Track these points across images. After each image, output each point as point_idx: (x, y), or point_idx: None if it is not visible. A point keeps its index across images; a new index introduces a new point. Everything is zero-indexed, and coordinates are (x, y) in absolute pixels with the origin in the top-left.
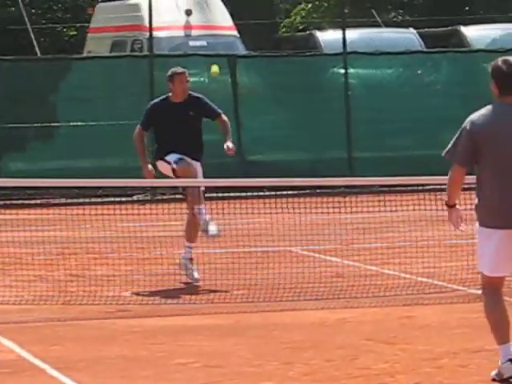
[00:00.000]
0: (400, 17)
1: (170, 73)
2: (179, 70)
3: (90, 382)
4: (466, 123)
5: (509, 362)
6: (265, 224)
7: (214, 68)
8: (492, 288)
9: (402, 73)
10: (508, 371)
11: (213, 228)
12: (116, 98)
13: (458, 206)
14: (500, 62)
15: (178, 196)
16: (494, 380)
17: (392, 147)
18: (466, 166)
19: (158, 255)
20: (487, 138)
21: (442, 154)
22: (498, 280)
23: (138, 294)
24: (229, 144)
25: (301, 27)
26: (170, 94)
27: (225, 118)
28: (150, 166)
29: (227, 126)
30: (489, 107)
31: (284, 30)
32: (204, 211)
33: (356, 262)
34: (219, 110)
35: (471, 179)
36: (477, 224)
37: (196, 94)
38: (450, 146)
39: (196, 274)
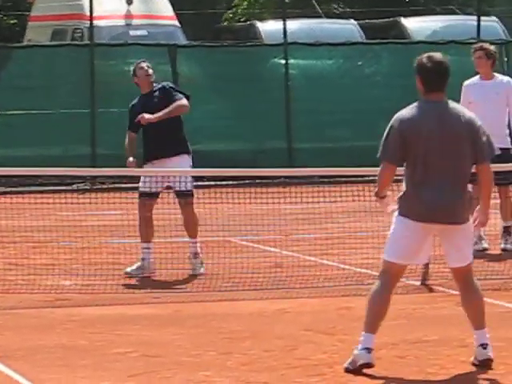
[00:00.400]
0: (341, 8)
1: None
2: (140, 63)
3: (28, 371)
4: (394, 121)
5: (365, 351)
6: (204, 214)
7: None
8: (388, 276)
9: (342, 64)
10: (362, 358)
11: (197, 267)
12: (56, 87)
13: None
14: (424, 59)
15: (117, 185)
16: (346, 369)
17: (332, 138)
18: (396, 163)
19: (97, 244)
20: (413, 136)
21: (377, 156)
22: (397, 269)
23: (76, 283)
24: (145, 115)
25: (242, 19)
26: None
27: (182, 102)
28: (131, 158)
29: (175, 105)
30: (415, 104)
31: (226, 20)
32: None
33: (295, 252)
34: (179, 95)
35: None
36: (396, 212)
37: (161, 84)
38: (381, 146)
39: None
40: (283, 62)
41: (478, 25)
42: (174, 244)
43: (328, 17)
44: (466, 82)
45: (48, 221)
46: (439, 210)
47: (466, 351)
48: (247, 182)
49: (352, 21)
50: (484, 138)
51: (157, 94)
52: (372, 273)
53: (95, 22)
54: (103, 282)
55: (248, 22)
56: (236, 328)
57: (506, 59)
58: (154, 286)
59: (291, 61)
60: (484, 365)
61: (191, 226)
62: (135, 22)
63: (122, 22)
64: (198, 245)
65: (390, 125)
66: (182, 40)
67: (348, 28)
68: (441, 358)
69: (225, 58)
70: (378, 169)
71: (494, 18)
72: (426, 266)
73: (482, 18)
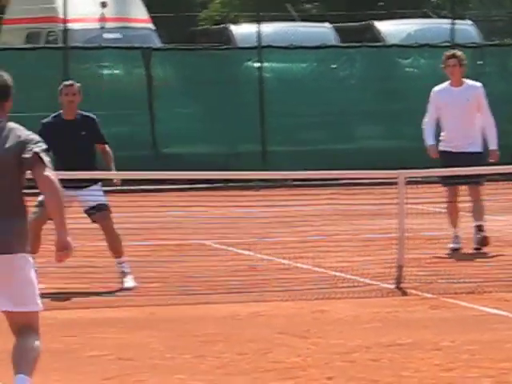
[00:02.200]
0: (315, 10)
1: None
2: (68, 82)
3: (1, 375)
4: None
5: None
6: (178, 217)
7: None
8: None
9: (316, 67)
10: None
11: (128, 281)
12: (30, 90)
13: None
14: None
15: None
16: None
17: (306, 141)
18: None
19: (75, 248)
20: None
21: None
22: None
23: (51, 286)
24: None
25: (217, 19)
26: (62, 111)
27: (108, 149)
28: None
29: (111, 158)
30: None
31: (202, 23)
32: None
33: (269, 255)
34: (106, 140)
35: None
36: None
37: (89, 114)
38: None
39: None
40: (257, 65)
41: (453, 28)
42: (148, 247)
43: (303, 20)
44: (436, 88)
45: None
46: None
47: (440, 354)
48: (221, 185)
49: (327, 24)
50: (39, 150)
51: (84, 123)
52: (346, 276)
53: (69, 25)
54: (78, 286)
55: (222, 25)
56: (210, 331)
57: (480, 62)
58: (129, 290)
59: (265, 64)
60: None
61: (115, 243)
62: (109, 25)
63: (96, 25)
64: (125, 264)
65: None
66: (156, 43)
67: (322, 31)
68: (415, 361)
69: (199, 61)
70: (352, 172)
71: (468, 21)
72: (400, 268)
73: (457, 21)
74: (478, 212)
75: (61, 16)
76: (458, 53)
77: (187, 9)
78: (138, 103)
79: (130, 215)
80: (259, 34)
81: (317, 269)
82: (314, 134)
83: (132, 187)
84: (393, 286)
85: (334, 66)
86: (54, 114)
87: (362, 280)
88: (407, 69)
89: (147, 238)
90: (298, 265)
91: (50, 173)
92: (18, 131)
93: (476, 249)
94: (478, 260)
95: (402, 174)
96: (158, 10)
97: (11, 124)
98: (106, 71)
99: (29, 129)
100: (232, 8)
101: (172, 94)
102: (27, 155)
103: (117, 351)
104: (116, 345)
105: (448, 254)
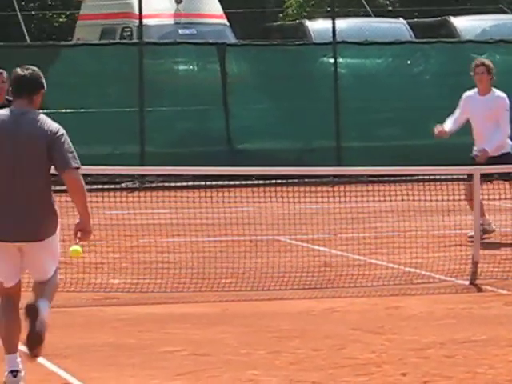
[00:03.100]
0: (389, 7)
1: None
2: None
3: (76, 369)
4: None
5: (10, 374)
6: (253, 213)
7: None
8: (5, 295)
9: (391, 63)
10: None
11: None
12: (105, 86)
13: None
14: (18, 67)
15: (166, 184)
16: None
17: (380, 137)
18: None
19: (145, 243)
20: None
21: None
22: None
23: (125, 281)
24: None
25: (292, 19)
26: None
27: None
28: None
29: None
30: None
31: (277, 19)
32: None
33: (344, 251)
34: None
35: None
36: None
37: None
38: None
39: None
40: (332, 61)
41: None
42: (223, 243)
43: (377, 15)
44: (466, 94)
45: (97, 219)
46: (15, 228)
47: None
48: (296, 180)
49: (401, 19)
50: (66, 146)
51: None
52: (421, 272)
53: (144, 21)
54: (152, 281)
55: (297, 21)
56: (284, 327)
57: None
58: (203, 285)
59: (340, 60)
60: None
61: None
62: (184, 20)
63: (170, 21)
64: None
65: None
66: (230, 39)
67: (397, 27)
68: (489, 357)
69: (274, 57)
70: (427, 168)
71: None
72: (476, 265)
73: None
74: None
75: (136, 12)
76: (487, 61)
77: (261, 4)
78: (213, 99)
79: (205, 211)
80: (334, 30)
81: (391, 265)
82: (389, 129)
83: (207, 182)
84: (467, 283)
85: (409, 62)
86: None
87: (436, 276)
88: None
89: (221, 234)
90: (373, 261)
91: (73, 173)
92: (47, 122)
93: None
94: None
95: (478, 170)
96: (233, 5)
97: (42, 115)
98: (180, 67)
99: (103, 124)
100: (309, 5)
101: (246, 89)
102: (55, 154)
103: (191, 347)
104: (190, 340)
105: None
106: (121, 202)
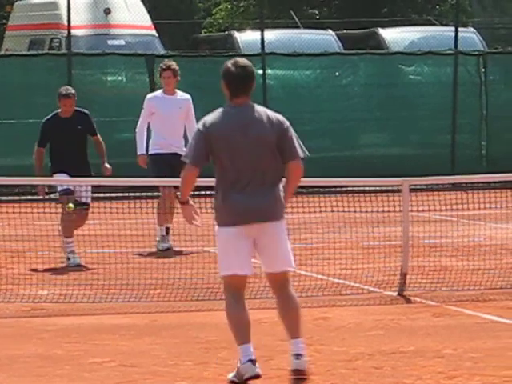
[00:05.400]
0: (317, 16)
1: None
2: (64, 91)
3: (5, 380)
4: (199, 125)
5: (249, 363)
6: (182, 224)
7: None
8: (231, 288)
9: (319, 74)
10: (248, 371)
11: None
12: (34, 97)
13: (191, 202)
14: (229, 64)
15: (95, 195)
16: (232, 382)
17: (309, 148)
18: (197, 165)
19: None
20: (219, 140)
21: (181, 158)
22: (235, 280)
23: (54, 292)
24: (106, 165)
25: (221, 28)
26: (60, 110)
27: (100, 139)
28: (43, 186)
29: (103, 148)
30: (220, 109)
31: (205, 30)
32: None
33: None
34: (96, 130)
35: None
36: (216, 227)
37: (83, 110)
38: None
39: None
40: (261, 72)
41: (456, 36)
42: (152, 254)
43: (306, 27)
44: (149, 96)
45: (26, 230)
46: (253, 209)
47: (443, 362)
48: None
49: (330, 31)
50: (293, 137)
51: (80, 119)
52: (349, 283)
53: (73, 32)
54: (80, 292)
55: (226, 32)
56: (212, 338)
57: (483, 70)
58: (131, 296)
59: (269, 71)
60: (295, 374)
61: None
62: (113, 31)
63: (99, 32)
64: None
65: (196, 129)
66: (159, 50)
67: (326, 38)
68: (417, 368)
69: (202, 68)
70: (357, 179)
71: (471, 28)
72: (404, 276)
73: (460, 28)
74: None
75: (64, 22)
76: (174, 65)
77: (190, 16)
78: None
79: (134, 222)
80: (262, 41)
81: (320, 276)
82: (318, 141)
83: (136, 193)
84: (396, 294)
85: (338, 74)
86: (52, 113)
87: (365, 287)
88: (410, 76)
89: (151, 245)
90: (302, 272)
91: (298, 162)
92: (270, 113)
93: None
94: (481, 268)
95: (407, 182)
96: (161, 16)
97: (258, 106)
98: (109, 78)
99: (32, 135)
100: (237, 15)
101: None
102: (285, 146)
103: (119, 358)
104: (118, 351)
105: None
106: (50, 212)
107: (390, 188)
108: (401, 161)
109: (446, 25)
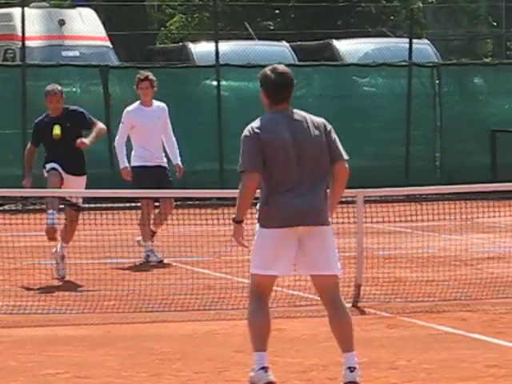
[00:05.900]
0: (272, 27)
1: (45, 91)
2: (49, 88)
3: None
4: (247, 132)
5: (262, 370)
6: (137, 235)
7: (56, 130)
8: (259, 290)
9: None
10: (261, 379)
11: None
12: None
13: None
14: (268, 71)
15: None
16: None
17: None
18: (258, 171)
19: (29, 265)
20: (271, 143)
21: (238, 170)
22: (266, 281)
23: (8, 303)
24: (83, 140)
25: (176, 39)
26: (50, 111)
27: (100, 125)
28: (30, 179)
29: (100, 131)
30: (263, 116)
31: (160, 41)
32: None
33: (227, 274)
34: (93, 120)
35: None
36: (257, 226)
37: (73, 107)
38: (240, 160)
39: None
40: (215, 83)
41: (410, 47)
42: (106, 265)
43: (260, 38)
44: (128, 108)
45: None
46: (301, 212)
47: (397, 373)
48: (179, 203)
49: (284, 42)
50: (336, 139)
51: (69, 116)
52: (304, 295)
53: (27, 43)
54: (35, 303)
55: (180, 44)
56: (167, 349)
57: (437, 81)
58: (85, 307)
59: (223, 82)
60: None
61: (70, 235)
62: (67, 42)
63: (54, 43)
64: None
65: (243, 136)
66: (114, 61)
67: (280, 50)
68: (371, 379)
69: (157, 80)
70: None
71: (425, 40)
72: (358, 287)
73: (414, 40)
74: None
75: (19, 34)
76: (151, 76)
77: (144, 27)
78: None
79: (89, 233)
80: (217, 52)
81: (274, 287)
82: None
83: (91, 205)
84: (350, 305)
85: None
86: (44, 114)
87: (319, 299)
88: (365, 88)
89: (105, 256)
90: None
91: (343, 163)
92: (312, 116)
93: None
94: (434, 279)
95: (361, 193)
96: (116, 27)
97: (299, 111)
98: (63, 89)
99: None
100: (192, 27)
101: None
102: (331, 147)
103: (73, 369)
104: (72, 363)
105: None
106: (4, 224)
107: (344, 199)
108: (355, 172)
109: (400, 36)
